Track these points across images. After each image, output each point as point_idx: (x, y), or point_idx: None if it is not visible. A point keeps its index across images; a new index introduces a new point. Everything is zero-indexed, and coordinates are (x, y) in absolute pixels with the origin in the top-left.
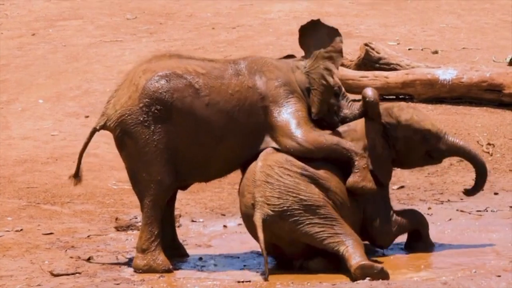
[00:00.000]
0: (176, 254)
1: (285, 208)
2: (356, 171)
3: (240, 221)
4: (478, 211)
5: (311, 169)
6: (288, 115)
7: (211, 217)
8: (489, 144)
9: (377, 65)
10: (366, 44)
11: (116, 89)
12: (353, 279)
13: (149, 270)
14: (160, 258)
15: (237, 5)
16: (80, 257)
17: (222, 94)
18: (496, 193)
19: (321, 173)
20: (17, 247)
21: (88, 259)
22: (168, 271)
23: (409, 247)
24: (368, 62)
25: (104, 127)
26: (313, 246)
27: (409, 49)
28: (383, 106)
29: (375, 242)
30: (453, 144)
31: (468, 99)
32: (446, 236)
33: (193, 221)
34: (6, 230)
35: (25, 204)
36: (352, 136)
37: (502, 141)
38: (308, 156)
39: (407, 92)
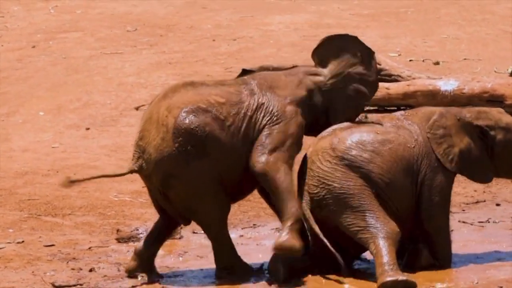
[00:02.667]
0: (145, 271)
1: (321, 197)
2: (285, 232)
3: (242, 232)
4: (480, 222)
5: (354, 152)
6: (276, 135)
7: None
8: None
9: (378, 76)
10: None
11: (140, 131)
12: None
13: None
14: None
15: (238, 17)
16: (81, 269)
17: (243, 119)
18: (498, 204)
19: (364, 156)
20: (18, 259)
21: (90, 271)
22: None
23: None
24: None
25: (140, 171)
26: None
27: (410, 60)
28: (476, 109)
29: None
30: None
31: None
32: None
33: (194, 232)
34: (8, 242)
35: (26, 216)
36: (448, 141)
37: None
38: (258, 179)
39: (408, 103)
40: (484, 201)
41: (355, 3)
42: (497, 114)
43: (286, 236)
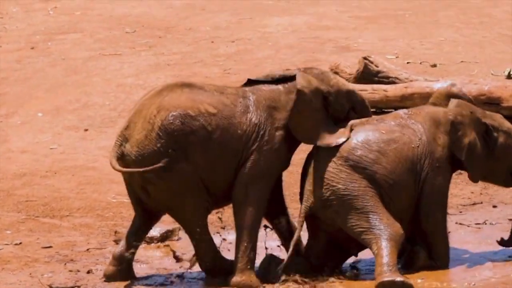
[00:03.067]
0: (125, 276)
1: (325, 197)
2: (239, 270)
3: None
4: (477, 224)
5: (359, 152)
6: (260, 167)
7: (210, 230)
8: None
9: (376, 78)
10: (364, 58)
11: (128, 120)
12: None
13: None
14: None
15: (236, 18)
16: (79, 271)
17: (232, 134)
18: (495, 206)
19: (370, 156)
20: (16, 261)
21: (87, 273)
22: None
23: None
24: (367, 75)
25: (121, 158)
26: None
27: (407, 63)
28: (480, 110)
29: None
30: None
31: None
32: None
33: None
34: (5, 244)
35: (24, 217)
36: (462, 129)
37: None
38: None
39: (406, 106)
40: (481, 202)
41: (353, 5)
42: (500, 118)
43: (241, 276)
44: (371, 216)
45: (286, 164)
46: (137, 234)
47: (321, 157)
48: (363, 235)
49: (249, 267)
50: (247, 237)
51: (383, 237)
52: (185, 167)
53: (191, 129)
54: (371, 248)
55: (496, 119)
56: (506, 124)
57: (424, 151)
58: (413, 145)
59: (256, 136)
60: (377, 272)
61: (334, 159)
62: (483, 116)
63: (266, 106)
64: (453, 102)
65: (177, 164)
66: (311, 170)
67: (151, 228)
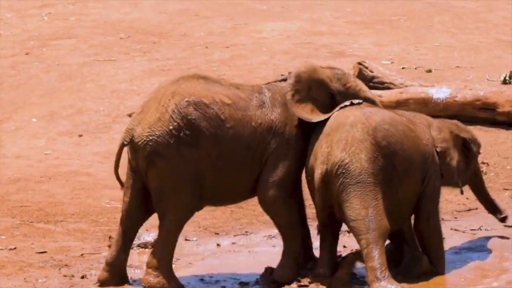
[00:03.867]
0: (119, 281)
1: (342, 164)
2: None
3: (234, 239)
4: (472, 229)
5: (387, 126)
6: (282, 170)
7: (205, 236)
8: (483, 163)
9: (371, 84)
10: (359, 63)
11: (142, 105)
12: None
13: None
14: (175, 280)
15: (231, 24)
16: (73, 276)
17: (246, 126)
18: None
19: (396, 134)
20: (10, 266)
21: (82, 278)
22: None
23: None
24: (362, 81)
25: (131, 143)
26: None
27: (402, 68)
28: (449, 121)
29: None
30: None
31: (462, 118)
32: None
33: (186, 239)
34: (0, 249)
35: (19, 222)
36: (450, 155)
37: (496, 160)
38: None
39: None
40: (476, 208)
41: (348, 10)
42: (465, 127)
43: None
44: (371, 203)
45: (303, 160)
46: (126, 239)
47: (348, 123)
48: (355, 222)
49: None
50: (291, 236)
51: (373, 233)
52: (195, 154)
53: (204, 116)
54: (358, 240)
55: (466, 129)
56: (472, 133)
57: (430, 152)
58: (424, 142)
59: (271, 132)
60: (371, 278)
61: (361, 126)
62: (458, 130)
63: (281, 103)
64: (434, 126)
65: (187, 150)
66: (331, 132)
67: (136, 232)
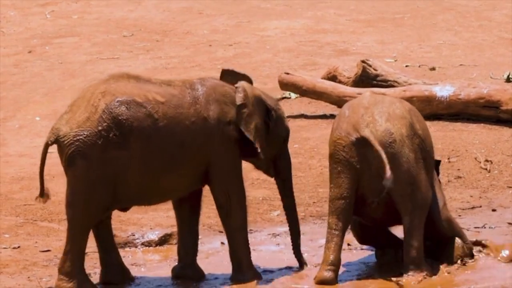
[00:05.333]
0: (123, 278)
1: (389, 132)
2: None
3: None
4: (476, 227)
5: (417, 113)
6: (228, 170)
7: (209, 234)
8: (486, 160)
9: (375, 82)
10: (363, 61)
11: (70, 105)
12: None
13: None
14: (89, 283)
15: (234, 22)
16: None
17: (180, 124)
18: (494, 210)
19: (423, 122)
20: (14, 264)
21: None
22: None
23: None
24: (366, 79)
25: (56, 142)
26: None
27: (406, 66)
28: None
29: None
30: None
31: (465, 116)
32: None
33: None
34: (4, 247)
35: (23, 221)
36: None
37: (500, 158)
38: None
39: None
40: (480, 206)
41: (351, 8)
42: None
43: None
44: (419, 178)
45: (240, 158)
46: (107, 239)
47: (386, 101)
48: (405, 198)
49: (250, 265)
50: (240, 239)
51: (417, 211)
52: (121, 154)
53: (136, 116)
54: (404, 218)
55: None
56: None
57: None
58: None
59: (205, 129)
60: (410, 257)
61: (400, 105)
62: None
63: (215, 100)
64: None
65: (115, 151)
66: (369, 106)
67: (110, 229)
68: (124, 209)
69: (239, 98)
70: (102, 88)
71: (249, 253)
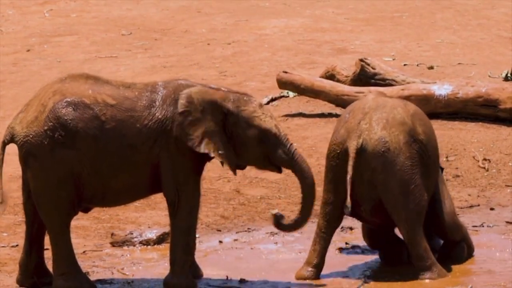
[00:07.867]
0: (42, 281)
1: (383, 141)
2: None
3: (236, 236)
4: (474, 226)
5: (421, 116)
6: (177, 170)
7: (207, 233)
8: (485, 159)
9: (373, 80)
10: (361, 60)
11: (26, 104)
12: None
13: None
14: (88, 281)
15: (233, 21)
16: None
17: (129, 127)
18: (492, 209)
19: (428, 125)
20: (13, 263)
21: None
22: None
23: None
24: (364, 77)
25: (12, 141)
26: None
27: (404, 65)
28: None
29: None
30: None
31: (464, 115)
32: None
33: None
34: (2, 246)
35: (21, 219)
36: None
37: (498, 157)
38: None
39: None
40: (478, 205)
41: (350, 7)
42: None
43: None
44: (413, 186)
45: (203, 158)
46: (33, 239)
47: (388, 105)
48: (398, 207)
49: (183, 270)
50: (181, 242)
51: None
52: (70, 155)
53: (82, 117)
54: (399, 227)
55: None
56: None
57: None
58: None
59: (158, 131)
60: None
61: (401, 109)
62: None
63: (174, 100)
64: None
65: (62, 151)
66: (369, 110)
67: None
68: (86, 209)
69: (180, 106)
70: (55, 87)
71: (188, 259)
